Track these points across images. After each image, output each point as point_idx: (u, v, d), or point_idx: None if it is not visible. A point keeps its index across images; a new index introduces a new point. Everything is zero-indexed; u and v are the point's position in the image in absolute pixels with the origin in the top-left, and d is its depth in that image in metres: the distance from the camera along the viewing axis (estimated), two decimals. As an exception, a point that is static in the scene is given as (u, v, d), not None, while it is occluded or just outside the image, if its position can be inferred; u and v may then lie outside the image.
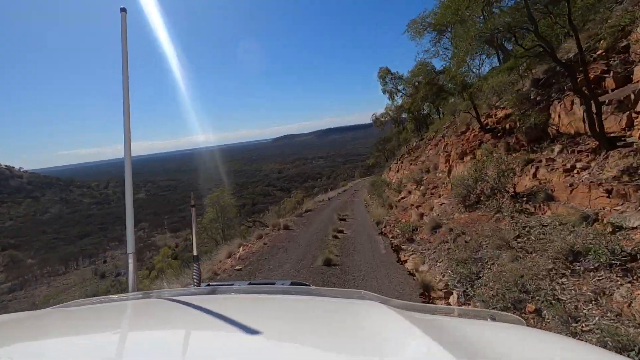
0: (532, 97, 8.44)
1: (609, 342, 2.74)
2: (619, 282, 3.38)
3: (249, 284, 1.52)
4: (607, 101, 5.96)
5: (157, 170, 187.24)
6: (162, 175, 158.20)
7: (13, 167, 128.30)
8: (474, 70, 12.06)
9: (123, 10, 1.50)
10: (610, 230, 4.03)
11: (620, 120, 5.69)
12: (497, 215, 6.21)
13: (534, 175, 6.42)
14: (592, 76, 6.39)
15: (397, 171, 23.92)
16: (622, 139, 5.49)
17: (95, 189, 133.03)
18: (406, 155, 23.75)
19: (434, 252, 6.54)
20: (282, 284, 1.51)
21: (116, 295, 1.24)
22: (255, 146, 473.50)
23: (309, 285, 1.47)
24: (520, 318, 0.92)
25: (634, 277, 3.34)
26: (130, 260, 1.37)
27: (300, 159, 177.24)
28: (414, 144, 23.83)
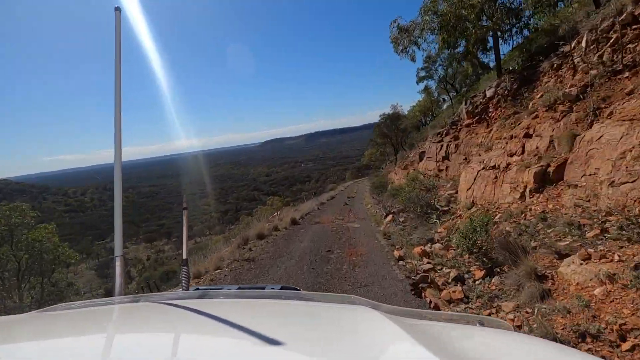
0: None
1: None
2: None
3: (239, 288, 1.48)
4: None
5: (141, 176, 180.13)
6: (145, 181, 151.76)
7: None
8: None
9: (117, 9, 1.51)
10: None
11: None
12: None
13: None
14: None
15: (443, 158, 12.69)
16: None
17: (72, 196, 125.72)
18: (476, 124, 11.32)
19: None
20: (272, 288, 1.47)
21: (103, 299, 1.22)
22: (243, 150, 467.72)
23: (299, 290, 1.48)
24: (508, 324, 0.90)
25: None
26: (118, 264, 1.36)
27: (289, 162, 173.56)
28: (506, 86, 10.63)
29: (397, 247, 7.50)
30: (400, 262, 6.45)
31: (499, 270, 4.92)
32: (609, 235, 4.23)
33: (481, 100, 11.94)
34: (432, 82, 29.47)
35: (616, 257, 3.85)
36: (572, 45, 8.46)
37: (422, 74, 28.66)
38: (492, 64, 17.22)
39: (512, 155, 7.42)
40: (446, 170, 12.63)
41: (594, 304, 3.42)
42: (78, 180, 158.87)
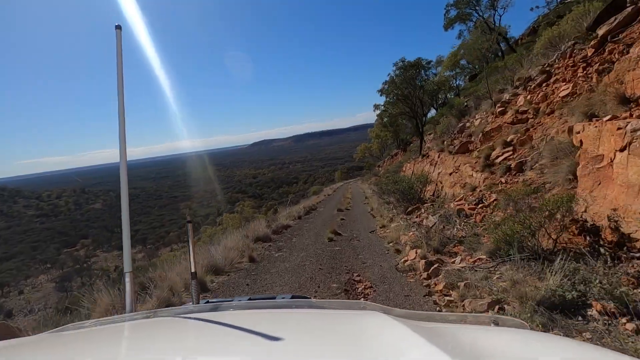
0: None
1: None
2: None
3: (249, 299, 1.45)
4: None
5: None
6: (129, 184, 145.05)
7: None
8: None
9: (118, 27, 1.52)
10: None
11: None
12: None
13: None
14: None
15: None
16: None
17: (46, 199, 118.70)
18: None
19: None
20: (283, 297, 1.45)
21: (114, 317, 1.22)
22: (232, 152, 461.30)
23: (309, 298, 1.48)
24: (523, 322, 0.88)
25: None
26: (128, 280, 1.36)
27: (277, 164, 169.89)
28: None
29: None
30: None
31: None
32: None
33: None
34: (465, 28, 20.58)
35: None
36: None
37: (453, 12, 19.52)
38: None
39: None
40: None
41: None
42: (60, 183, 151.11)
